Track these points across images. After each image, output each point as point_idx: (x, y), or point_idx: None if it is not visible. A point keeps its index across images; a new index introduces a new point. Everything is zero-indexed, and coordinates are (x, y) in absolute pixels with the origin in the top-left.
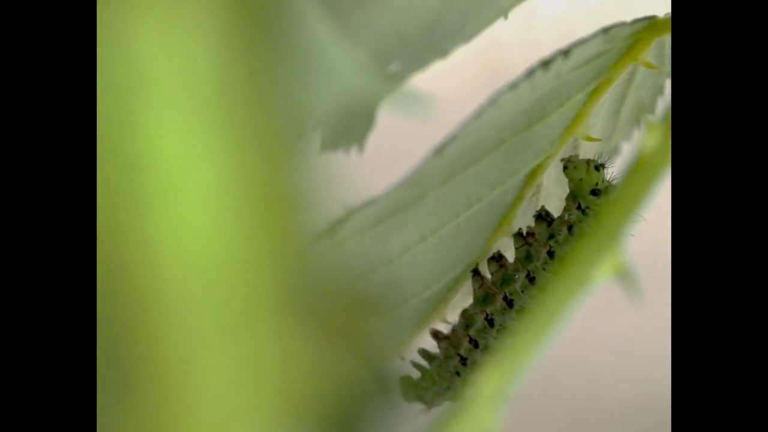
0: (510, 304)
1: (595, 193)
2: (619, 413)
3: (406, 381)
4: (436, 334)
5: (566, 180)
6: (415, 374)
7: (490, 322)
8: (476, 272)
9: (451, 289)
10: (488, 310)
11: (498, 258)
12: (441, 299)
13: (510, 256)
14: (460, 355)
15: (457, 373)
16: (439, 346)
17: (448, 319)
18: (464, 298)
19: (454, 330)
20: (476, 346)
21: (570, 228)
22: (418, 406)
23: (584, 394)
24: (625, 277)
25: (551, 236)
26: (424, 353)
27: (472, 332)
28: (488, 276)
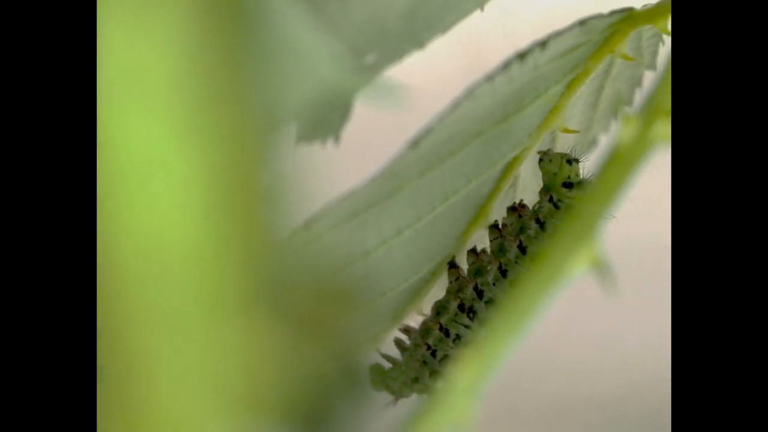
0: (480, 295)
1: (567, 185)
2: (605, 404)
3: (374, 369)
4: (406, 330)
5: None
6: (387, 365)
7: (461, 307)
8: (452, 265)
9: (427, 281)
10: (461, 296)
11: (476, 252)
12: (417, 292)
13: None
14: (428, 344)
15: (425, 362)
16: (410, 339)
17: (425, 311)
18: (441, 291)
19: (424, 321)
20: (447, 335)
21: (540, 222)
22: (386, 397)
23: (568, 386)
24: (602, 270)
25: (522, 230)
26: (397, 342)
27: (443, 320)
28: (464, 268)
